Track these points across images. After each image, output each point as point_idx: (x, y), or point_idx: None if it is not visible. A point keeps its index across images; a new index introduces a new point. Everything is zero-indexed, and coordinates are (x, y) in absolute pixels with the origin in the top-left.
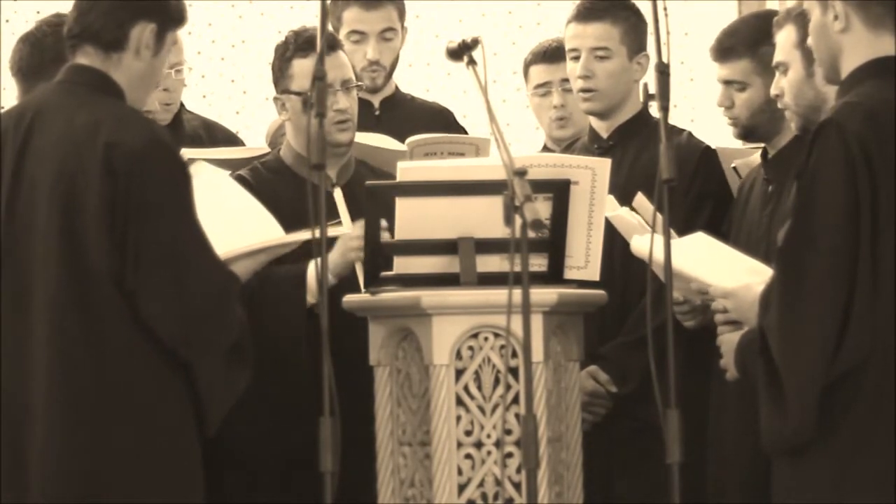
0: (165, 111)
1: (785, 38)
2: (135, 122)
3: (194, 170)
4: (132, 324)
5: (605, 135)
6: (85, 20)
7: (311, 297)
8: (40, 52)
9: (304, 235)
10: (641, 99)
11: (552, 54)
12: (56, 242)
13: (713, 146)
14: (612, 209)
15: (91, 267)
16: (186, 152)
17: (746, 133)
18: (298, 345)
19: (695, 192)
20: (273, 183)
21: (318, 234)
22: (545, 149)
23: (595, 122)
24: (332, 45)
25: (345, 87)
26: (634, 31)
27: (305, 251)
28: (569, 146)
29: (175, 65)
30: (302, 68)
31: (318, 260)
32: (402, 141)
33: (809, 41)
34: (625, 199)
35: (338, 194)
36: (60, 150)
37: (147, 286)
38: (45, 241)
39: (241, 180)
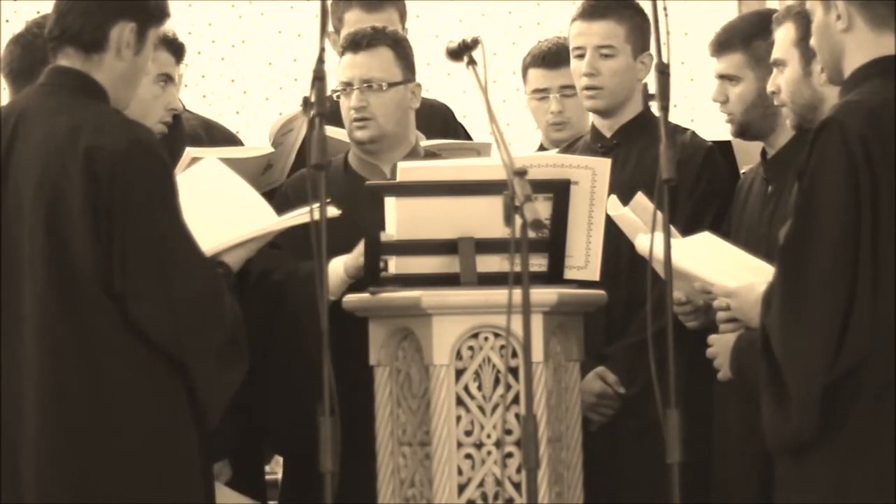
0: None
1: (784, 36)
2: (116, 124)
3: (190, 166)
4: (122, 326)
5: (608, 134)
6: (64, 22)
7: (331, 295)
8: (30, 53)
9: (295, 220)
10: (642, 99)
11: (551, 59)
12: (42, 247)
13: (729, 140)
14: (616, 209)
15: (78, 271)
16: (191, 152)
17: (742, 129)
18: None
19: (700, 192)
20: (334, 183)
21: (315, 231)
22: (541, 148)
23: (598, 121)
24: (360, 42)
25: (364, 85)
26: (639, 30)
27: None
28: (570, 145)
29: None
30: (340, 65)
31: (338, 259)
32: None
33: (812, 41)
34: (629, 198)
35: None
36: (43, 154)
37: (135, 288)
38: (31, 246)
39: (300, 179)
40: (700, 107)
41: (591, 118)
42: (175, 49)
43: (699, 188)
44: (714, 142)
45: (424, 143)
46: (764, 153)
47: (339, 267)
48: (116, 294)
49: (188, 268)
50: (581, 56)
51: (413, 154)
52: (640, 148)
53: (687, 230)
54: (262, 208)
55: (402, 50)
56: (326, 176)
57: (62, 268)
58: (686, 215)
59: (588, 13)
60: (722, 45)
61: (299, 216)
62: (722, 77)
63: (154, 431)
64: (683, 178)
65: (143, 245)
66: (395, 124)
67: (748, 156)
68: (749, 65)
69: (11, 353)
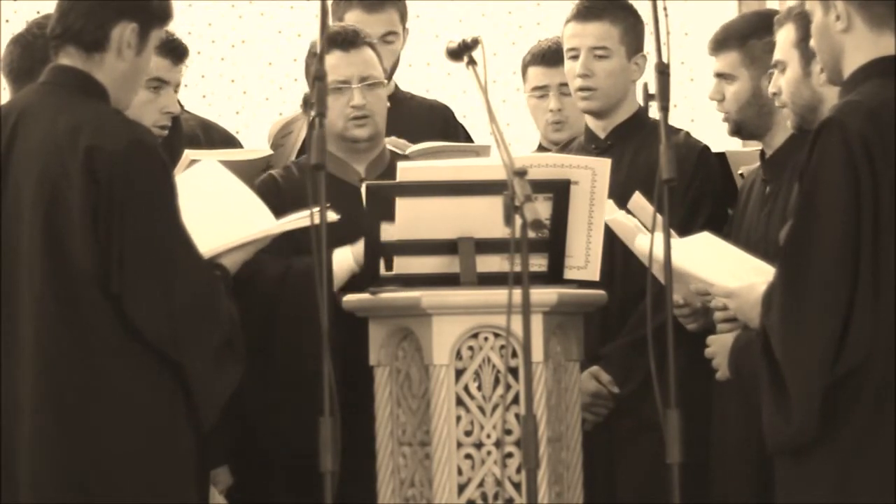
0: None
1: (784, 37)
2: (116, 124)
3: (189, 168)
4: (119, 326)
5: (602, 135)
6: (66, 21)
7: (336, 285)
8: (30, 53)
9: (292, 224)
10: (641, 99)
11: (550, 57)
12: (40, 246)
13: (724, 150)
14: (610, 213)
15: (76, 270)
16: (190, 154)
17: (737, 128)
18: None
19: (693, 192)
20: (304, 182)
21: (316, 230)
22: (540, 148)
23: (591, 122)
24: (354, 41)
25: (364, 83)
26: (633, 32)
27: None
28: (565, 146)
29: None
30: (330, 63)
31: (343, 249)
32: (404, 138)
33: (812, 42)
34: (623, 199)
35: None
36: (43, 153)
37: (132, 288)
38: (29, 244)
39: (271, 179)
40: (700, 107)
41: (585, 119)
42: (170, 52)
43: (693, 188)
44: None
45: (423, 145)
46: (763, 154)
47: (347, 257)
48: (114, 294)
49: (186, 269)
50: (575, 57)
51: (383, 155)
52: (633, 149)
53: (681, 230)
54: (261, 211)
55: (377, 49)
56: (301, 178)
57: (60, 267)
58: (681, 215)
59: (583, 14)
60: (719, 43)
61: (299, 220)
62: (719, 75)
63: (151, 432)
64: (678, 178)
65: (142, 245)
66: (384, 121)
67: (743, 166)
68: (744, 63)
69: (9, 352)
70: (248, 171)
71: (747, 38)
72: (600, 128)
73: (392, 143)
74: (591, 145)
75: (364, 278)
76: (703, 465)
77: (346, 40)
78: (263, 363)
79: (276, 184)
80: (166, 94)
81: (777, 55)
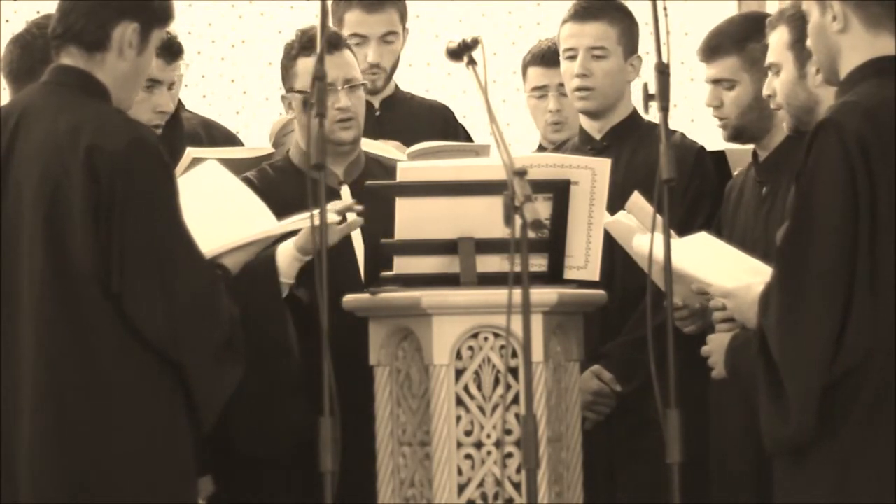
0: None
1: (777, 39)
2: (117, 123)
3: (191, 165)
4: (120, 325)
5: (597, 136)
6: (67, 20)
7: (283, 278)
8: (30, 53)
9: (293, 225)
10: (641, 99)
11: (550, 57)
12: (41, 246)
13: (724, 149)
14: (607, 216)
15: (77, 270)
16: (192, 152)
17: (737, 133)
18: (283, 325)
19: (692, 193)
20: (280, 183)
21: (316, 231)
22: (540, 148)
23: (587, 123)
24: (337, 44)
25: (348, 86)
26: (630, 33)
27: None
28: (559, 147)
29: None
30: (306, 67)
31: (287, 242)
32: (404, 139)
33: (808, 42)
34: (620, 200)
35: (345, 192)
36: (44, 153)
37: (133, 288)
38: (30, 244)
39: (247, 182)
40: (700, 107)
41: (580, 120)
42: (163, 51)
43: (692, 189)
44: (709, 152)
45: (422, 144)
46: (755, 155)
47: (288, 247)
48: (114, 293)
49: (187, 268)
50: (572, 57)
51: (360, 158)
52: (629, 150)
53: (680, 230)
54: (262, 212)
55: (355, 52)
56: (278, 179)
57: (61, 266)
58: (679, 216)
59: (580, 14)
60: (713, 49)
61: (300, 221)
62: (716, 82)
63: (151, 432)
64: (676, 178)
65: (142, 245)
66: (363, 124)
67: (742, 164)
68: (744, 68)
69: (9, 352)
70: (250, 169)
71: (745, 41)
72: (595, 129)
73: (389, 145)
74: (587, 146)
75: (365, 278)
76: (703, 465)
77: (329, 43)
78: None
79: (253, 186)
80: (160, 93)
81: (771, 58)
